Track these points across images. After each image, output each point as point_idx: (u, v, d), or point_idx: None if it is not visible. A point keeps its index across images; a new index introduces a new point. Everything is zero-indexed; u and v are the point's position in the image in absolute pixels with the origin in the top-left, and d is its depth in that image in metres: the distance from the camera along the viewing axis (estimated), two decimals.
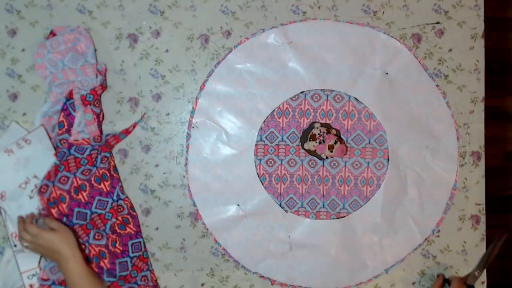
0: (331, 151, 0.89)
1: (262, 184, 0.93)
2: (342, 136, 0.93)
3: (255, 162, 0.93)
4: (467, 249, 0.94)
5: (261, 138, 0.93)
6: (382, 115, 0.93)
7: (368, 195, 0.93)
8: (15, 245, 0.88)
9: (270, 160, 0.93)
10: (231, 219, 0.92)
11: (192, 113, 0.92)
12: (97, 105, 0.90)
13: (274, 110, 0.93)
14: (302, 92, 0.93)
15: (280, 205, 0.93)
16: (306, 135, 0.92)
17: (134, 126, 0.91)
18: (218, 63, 0.93)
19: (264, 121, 0.93)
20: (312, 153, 0.92)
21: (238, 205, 0.92)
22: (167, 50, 0.94)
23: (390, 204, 0.93)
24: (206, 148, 0.92)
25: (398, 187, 0.93)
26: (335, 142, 0.89)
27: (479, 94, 0.95)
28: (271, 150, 0.93)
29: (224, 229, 0.92)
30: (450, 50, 0.95)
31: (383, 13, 0.95)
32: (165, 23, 0.94)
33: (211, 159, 0.92)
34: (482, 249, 0.94)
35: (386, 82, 0.93)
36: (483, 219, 0.94)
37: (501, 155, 1.70)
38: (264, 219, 0.92)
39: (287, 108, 0.93)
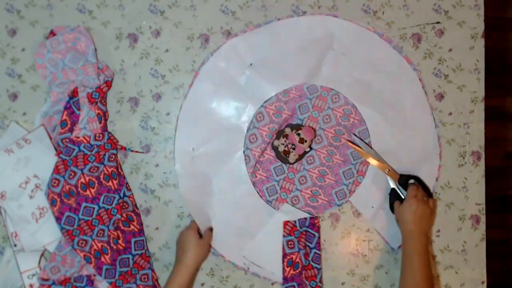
0: (304, 142, 0.90)
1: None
2: (298, 123, 0.93)
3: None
4: (467, 249, 0.94)
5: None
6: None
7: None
8: (15, 245, 0.88)
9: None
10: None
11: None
12: (104, 103, 0.91)
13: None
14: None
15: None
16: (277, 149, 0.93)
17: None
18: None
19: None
20: (280, 154, 0.92)
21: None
22: (167, 50, 0.94)
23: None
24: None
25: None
26: (298, 134, 0.90)
27: (479, 94, 0.95)
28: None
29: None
30: (450, 50, 0.95)
31: (383, 13, 0.95)
32: (165, 22, 0.94)
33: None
34: (482, 249, 0.94)
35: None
36: (483, 219, 0.94)
37: (501, 155, 1.70)
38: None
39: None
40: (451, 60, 0.95)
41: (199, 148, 0.92)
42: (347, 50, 0.93)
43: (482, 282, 0.94)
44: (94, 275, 0.88)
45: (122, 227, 0.90)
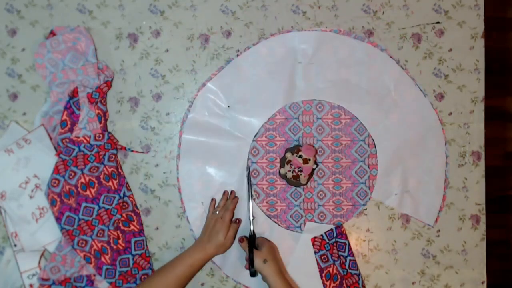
0: (308, 161, 0.90)
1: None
2: (296, 145, 0.93)
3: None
4: (467, 249, 0.94)
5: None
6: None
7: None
8: (15, 245, 0.88)
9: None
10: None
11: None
12: (104, 103, 0.91)
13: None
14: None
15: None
16: (283, 163, 0.93)
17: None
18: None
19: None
20: (291, 180, 0.92)
21: None
22: (167, 50, 0.94)
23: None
24: None
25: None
26: (300, 157, 0.89)
27: (479, 94, 0.95)
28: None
29: None
30: (450, 50, 0.95)
31: (383, 13, 0.95)
32: (165, 23, 0.94)
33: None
34: (482, 249, 0.94)
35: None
36: (483, 219, 0.94)
37: (501, 155, 1.70)
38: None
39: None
40: (451, 60, 0.95)
41: (207, 200, 0.93)
42: (313, 58, 0.94)
43: (482, 282, 0.94)
44: (94, 275, 0.88)
45: (122, 227, 0.90)
